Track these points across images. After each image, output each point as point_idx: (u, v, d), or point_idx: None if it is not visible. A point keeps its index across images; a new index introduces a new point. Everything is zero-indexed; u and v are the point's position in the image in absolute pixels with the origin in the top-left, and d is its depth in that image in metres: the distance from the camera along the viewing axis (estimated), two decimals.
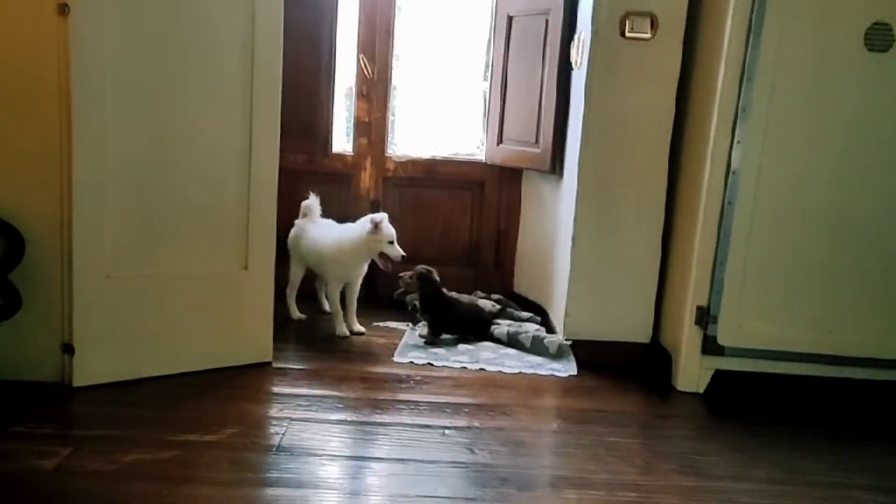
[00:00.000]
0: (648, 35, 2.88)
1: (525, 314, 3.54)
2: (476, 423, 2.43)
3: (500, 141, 3.70)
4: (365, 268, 3.23)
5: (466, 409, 2.54)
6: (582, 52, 3.03)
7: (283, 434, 2.25)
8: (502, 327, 3.30)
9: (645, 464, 2.23)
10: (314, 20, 3.59)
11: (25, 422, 2.20)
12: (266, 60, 2.66)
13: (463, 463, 2.15)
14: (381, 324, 3.45)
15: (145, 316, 2.56)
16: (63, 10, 2.29)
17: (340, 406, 2.51)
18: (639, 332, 3.10)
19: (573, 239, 3.04)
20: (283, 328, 3.22)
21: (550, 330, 3.34)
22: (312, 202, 3.43)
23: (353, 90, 3.78)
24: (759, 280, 2.73)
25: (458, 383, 2.79)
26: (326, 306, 3.55)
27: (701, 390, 2.82)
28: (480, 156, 3.88)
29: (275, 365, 2.83)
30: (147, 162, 2.51)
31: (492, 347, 3.20)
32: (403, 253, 3.08)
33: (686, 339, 2.81)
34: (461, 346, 3.18)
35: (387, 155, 3.83)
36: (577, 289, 3.08)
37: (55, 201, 2.39)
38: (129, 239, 2.50)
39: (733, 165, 2.66)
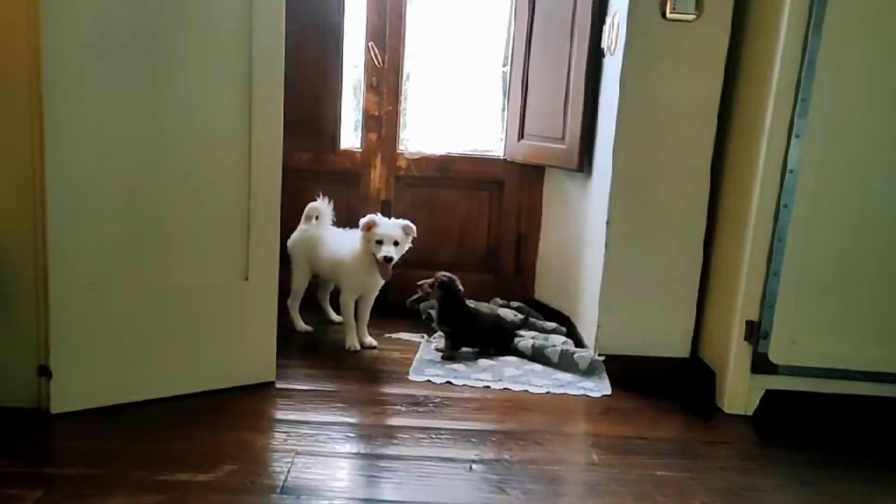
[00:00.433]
0: (692, 15, 2.59)
1: (550, 325, 3.26)
2: (506, 455, 2.15)
3: (521, 136, 3.41)
4: (381, 280, 2.95)
5: (494, 438, 2.27)
6: (616, 36, 2.74)
7: (288, 471, 1.97)
8: (526, 340, 3.02)
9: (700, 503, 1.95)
10: (320, 5, 3.31)
11: None
12: (266, 48, 2.38)
13: None
14: (394, 335, 3.17)
15: (132, 333, 2.29)
16: None
17: (352, 435, 2.24)
18: (677, 346, 2.81)
19: (605, 244, 2.76)
20: (287, 342, 2.94)
21: (578, 342, 3.06)
22: (321, 205, 3.15)
23: (362, 81, 3.49)
24: (816, 291, 2.45)
25: (481, 405, 2.51)
26: (333, 315, 3.29)
27: (750, 412, 2.54)
28: (499, 152, 3.60)
29: (278, 385, 2.56)
30: (134, 161, 2.23)
31: (515, 362, 2.92)
32: (388, 254, 2.81)
33: (734, 357, 2.53)
34: (482, 361, 2.91)
35: (398, 151, 3.55)
36: (609, 298, 2.80)
37: (27, 204, 2.12)
38: (115, 247, 2.23)
39: (790, 164, 2.37)
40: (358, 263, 2.92)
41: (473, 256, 3.61)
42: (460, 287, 2.94)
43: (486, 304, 3.36)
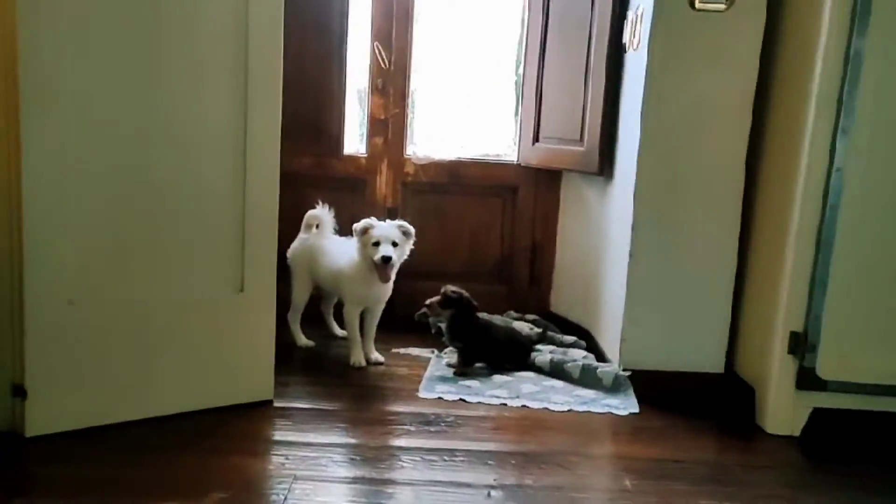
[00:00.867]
0: (723, 5, 2.40)
1: (569, 338, 3.04)
2: (528, 481, 1.93)
3: (535, 139, 3.22)
4: (388, 292, 2.75)
5: (514, 461, 2.05)
6: (639, 31, 2.56)
7: (285, 500, 1.76)
8: (544, 354, 2.80)
9: None
10: (322, 4, 3.14)
11: None
12: (263, 46, 2.19)
13: None
14: (402, 350, 2.96)
15: (115, 350, 2.08)
16: None
17: (356, 458, 2.03)
18: (711, 360, 2.59)
19: (630, 252, 2.55)
20: (287, 358, 2.73)
21: (599, 357, 2.84)
22: (321, 213, 2.96)
23: (368, 84, 3.31)
24: (868, 300, 2.24)
25: (498, 424, 2.30)
26: (336, 330, 3.08)
27: (796, 433, 2.31)
28: (512, 157, 3.41)
29: (277, 404, 2.34)
30: (119, 164, 2.04)
31: (533, 378, 2.70)
32: (386, 254, 2.60)
33: (776, 372, 2.31)
34: (497, 378, 2.69)
35: (406, 157, 3.36)
36: (634, 310, 2.58)
37: (2, 211, 1.93)
38: (96, 257, 2.03)
39: (837, 161, 2.16)
40: (358, 273, 2.71)
41: (485, 267, 3.40)
42: (473, 301, 2.73)
43: (499, 316, 3.15)
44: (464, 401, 2.46)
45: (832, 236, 2.19)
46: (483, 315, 2.88)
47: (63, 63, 1.91)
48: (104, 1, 1.95)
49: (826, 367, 2.25)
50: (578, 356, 2.81)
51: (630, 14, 2.69)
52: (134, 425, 2.09)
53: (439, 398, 2.48)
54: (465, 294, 2.74)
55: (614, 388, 2.57)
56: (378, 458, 2.03)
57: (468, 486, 1.88)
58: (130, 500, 1.72)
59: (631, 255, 2.55)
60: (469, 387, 2.58)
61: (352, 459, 2.01)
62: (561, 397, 2.52)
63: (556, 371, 2.71)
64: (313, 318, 3.07)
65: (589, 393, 2.56)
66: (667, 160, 2.52)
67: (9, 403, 1.98)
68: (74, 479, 1.81)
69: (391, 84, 3.30)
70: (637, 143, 2.52)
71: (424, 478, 1.91)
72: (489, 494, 1.84)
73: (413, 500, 1.80)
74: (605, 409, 2.44)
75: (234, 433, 2.13)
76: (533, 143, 3.23)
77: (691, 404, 2.51)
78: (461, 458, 2.03)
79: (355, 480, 1.90)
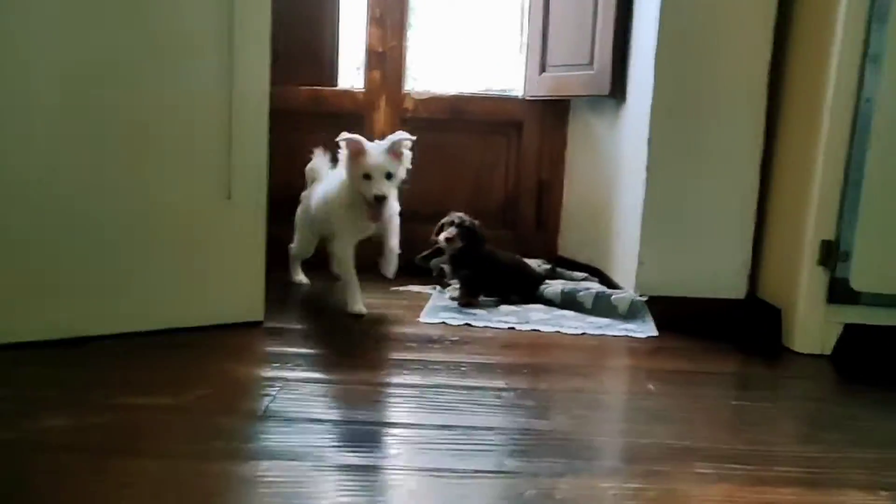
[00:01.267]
0: None
1: (580, 274, 2.87)
2: (542, 386, 1.76)
3: (542, 69, 3.06)
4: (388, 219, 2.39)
5: (525, 371, 1.87)
6: None
7: (274, 397, 1.58)
8: (555, 286, 2.62)
9: (797, 432, 1.56)
10: None
11: None
12: None
13: (535, 430, 1.48)
14: (402, 288, 2.77)
15: (95, 258, 1.90)
16: None
17: (353, 366, 1.85)
18: (732, 285, 2.42)
19: (646, 166, 2.38)
20: (282, 292, 2.55)
21: (613, 287, 2.66)
22: (318, 164, 2.69)
23: (365, 13, 3.15)
24: None
25: (507, 343, 2.12)
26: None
27: (827, 351, 2.13)
28: (517, 92, 3.24)
29: (267, 325, 2.15)
30: (97, 63, 1.86)
31: (543, 309, 2.52)
32: (380, 192, 2.18)
33: (805, 285, 2.13)
34: (504, 308, 2.51)
35: (404, 92, 3.19)
36: (651, 232, 2.41)
37: None
38: (73, 156, 1.85)
39: (872, 47, 2.00)
40: (346, 197, 2.31)
41: (489, 209, 3.22)
42: (483, 229, 2.57)
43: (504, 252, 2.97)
44: (470, 325, 2.28)
45: (867, 132, 2.02)
46: (488, 247, 2.70)
47: None
48: None
49: (859, 277, 2.08)
50: (593, 286, 2.63)
51: None
52: (115, 338, 1.90)
53: (443, 323, 2.30)
54: (477, 222, 2.57)
55: (630, 314, 2.39)
56: (377, 366, 1.86)
57: (477, 388, 1.70)
58: (97, 396, 1.53)
59: (647, 170, 2.38)
60: (475, 314, 2.40)
61: (348, 368, 1.84)
62: (573, 323, 2.34)
63: (568, 302, 2.53)
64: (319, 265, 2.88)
65: (604, 320, 2.39)
66: (684, 73, 2.35)
67: None
68: (34, 378, 1.63)
69: (389, 13, 3.13)
70: (652, 58, 2.35)
71: (428, 382, 1.73)
72: (500, 395, 1.66)
73: (417, 399, 1.62)
74: (623, 333, 2.26)
75: (220, 345, 1.95)
76: (540, 73, 3.06)
77: (713, 329, 2.33)
78: (467, 369, 1.85)
79: (352, 382, 1.72)
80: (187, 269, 2.05)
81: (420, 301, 2.57)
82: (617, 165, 2.74)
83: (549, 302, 2.58)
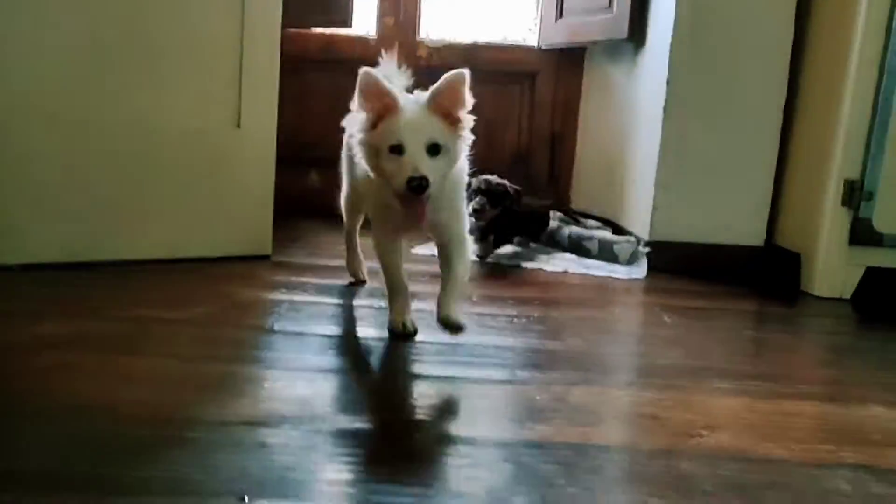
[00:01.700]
0: None
1: (593, 222, 2.82)
2: (554, 314, 1.72)
3: (559, 15, 2.99)
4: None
5: (537, 302, 1.83)
6: None
7: (281, 315, 1.55)
8: (563, 230, 2.58)
9: (815, 357, 1.51)
10: None
11: None
12: None
13: (547, 349, 1.44)
14: (416, 251, 2.69)
15: (102, 178, 1.87)
16: None
17: (361, 292, 1.81)
18: (750, 231, 2.36)
19: (664, 109, 2.33)
20: (291, 235, 2.51)
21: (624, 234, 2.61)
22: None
23: None
24: None
25: (514, 281, 2.08)
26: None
27: (846, 295, 2.08)
28: (532, 42, 3.18)
29: (276, 259, 2.12)
30: None
31: (547, 251, 2.49)
32: (418, 174, 1.25)
33: (828, 227, 2.08)
34: (508, 248, 2.46)
35: (418, 39, 3.13)
36: (667, 175, 2.35)
37: None
38: (81, 74, 1.82)
39: None
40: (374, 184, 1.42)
41: (502, 161, 3.17)
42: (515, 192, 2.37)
43: None
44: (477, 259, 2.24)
45: (894, 76, 1.96)
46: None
47: None
48: None
49: (883, 217, 2.03)
50: (598, 233, 2.57)
51: None
52: (124, 264, 1.86)
53: None
54: (504, 182, 2.36)
55: (631, 262, 2.35)
56: (384, 294, 1.82)
57: (487, 315, 1.66)
58: (103, 309, 1.50)
59: (664, 112, 2.32)
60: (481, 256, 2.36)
61: (355, 294, 1.80)
62: (578, 267, 2.29)
63: (575, 246, 2.49)
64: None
65: (610, 265, 2.34)
66: (706, 12, 2.28)
67: None
68: (39, 294, 1.61)
69: None
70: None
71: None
72: (512, 321, 1.63)
73: (425, 322, 1.58)
74: (629, 276, 2.21)
75: (229, 273, 1.91)
76: (556, 20, 3.00)
77: (729, 275, 2.28)
78: (477, 300, 1.81)
79: (359, 307, 1.69)
80: (197, 197, 2.01)
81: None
82: (633, 113, 2.68)
83: (557, 244, 2.54)
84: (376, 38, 3.13)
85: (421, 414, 1.10)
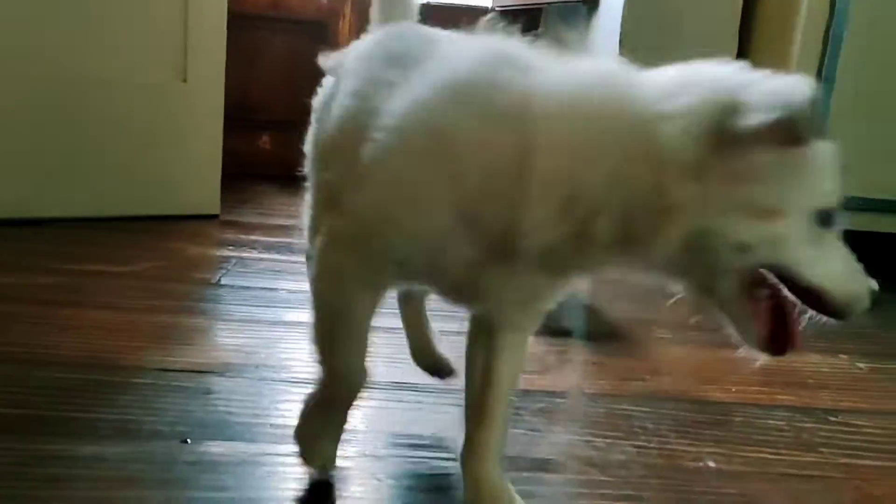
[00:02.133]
0: None
1: None
2: None
3: None
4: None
5: None
6: None
7: (228, 270, 1.53)
8: None
9: None
10: None
11: None
12: None
13: None
14: None
15: (42, 133, 1.80)
16: None
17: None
18: None
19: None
20: (240, 197, 2.47)
21: None
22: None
23: None
24: (877, 106, 2.06)
25: None
26: None
27: None
28: (486, 3, 3.16)
29: (224, 218, 2.08)
30: None
31: None
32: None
33: None
34: None
35: None
36: None
37: None
38: (22, 34, 1.75)
39: None
40: None
41: None
42: None
43: None
44: None
45: (842, 26, 2.00)
46: None
47: None
48: None
49: None
50: None
51: None
52: (69, 221, 1.80)
53: None
54: None
55: None
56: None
57: None
58: (46, 263, 1.46)
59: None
60: None
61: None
62: None
63: None
64: None
65: None
66: None
67: None
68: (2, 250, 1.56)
69: None
70: None
71: None
72: None
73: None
74: None
75: (176, 230, 1.87)
76: None
77: None
78: None
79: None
80: (141, 154, 1.96)
81: None
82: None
83: None
84: None
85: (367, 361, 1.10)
